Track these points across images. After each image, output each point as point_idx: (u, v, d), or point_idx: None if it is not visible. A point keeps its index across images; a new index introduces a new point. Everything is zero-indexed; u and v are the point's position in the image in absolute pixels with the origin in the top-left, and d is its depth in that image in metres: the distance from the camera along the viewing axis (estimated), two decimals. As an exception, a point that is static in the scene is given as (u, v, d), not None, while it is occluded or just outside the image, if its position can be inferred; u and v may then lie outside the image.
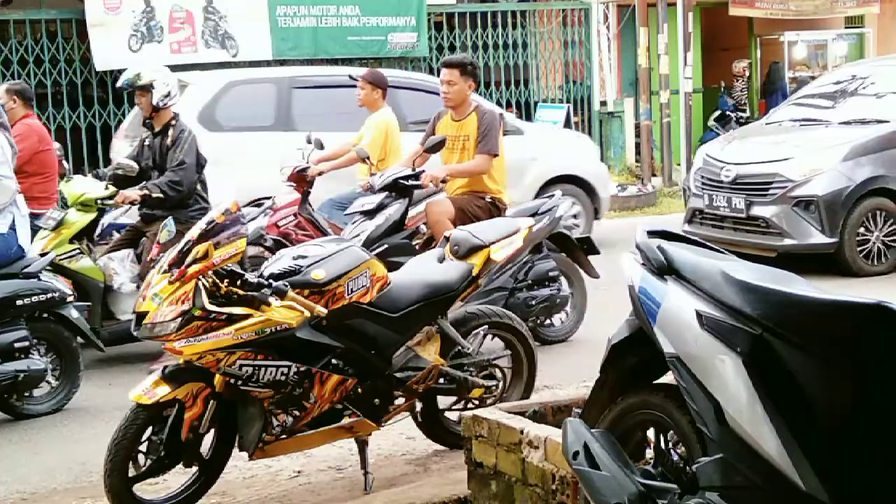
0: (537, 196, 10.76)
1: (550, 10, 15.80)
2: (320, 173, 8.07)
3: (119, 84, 7.31)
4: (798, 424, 2.49)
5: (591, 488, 2.97)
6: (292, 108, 8.99)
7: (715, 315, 2.68)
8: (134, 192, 6.87)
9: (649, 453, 3.21)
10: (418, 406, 4.83)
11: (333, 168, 8.28)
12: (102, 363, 6.92)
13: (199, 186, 7.05)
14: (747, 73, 17.80)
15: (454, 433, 4.79)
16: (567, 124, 13.70)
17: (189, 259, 3.96)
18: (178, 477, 4.38)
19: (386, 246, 6.33)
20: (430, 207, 6.78)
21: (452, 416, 4.96)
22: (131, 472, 4.14)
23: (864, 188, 8.82)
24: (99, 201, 7.00)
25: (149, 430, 4.16)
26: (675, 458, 2.99)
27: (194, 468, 4.30)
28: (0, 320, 5.78)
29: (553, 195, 7.02)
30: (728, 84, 18.31)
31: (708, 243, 3.13)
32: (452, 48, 14.64)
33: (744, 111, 17.71)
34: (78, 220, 6.98)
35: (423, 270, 4.75)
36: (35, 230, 6.69)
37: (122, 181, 7.06)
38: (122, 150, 10.28)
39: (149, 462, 4.17)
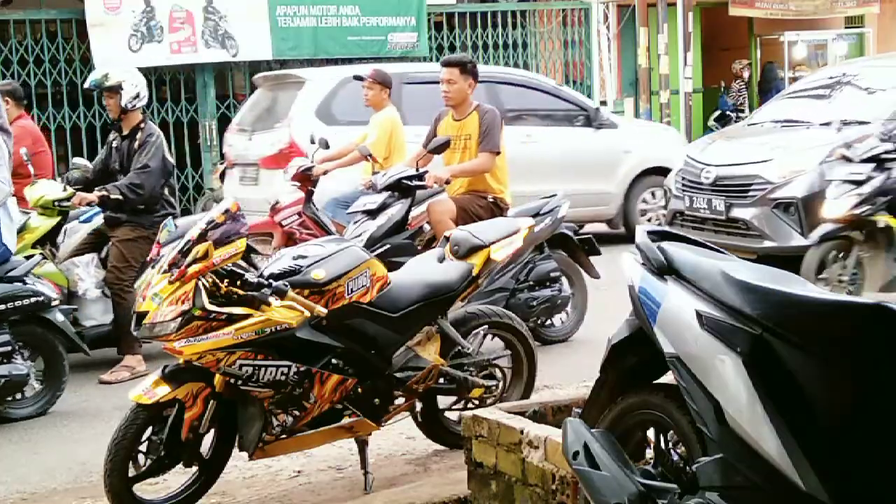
0: (631, 188, 11.07)
1: (550, 10, 15.81)
2: (325, 172, 8.09)
3: (87, 85, 7.15)
4: (798, 424, 2.49)
5: (591, 488, 2.97)
6: (402, 103, 9.30)
7: (715, 315, 2.68)
8: (92, 194, 6.70)
9: (649, 453, 3.21)
10: (418, 406, 4.83)
11: (338, 167, 8.30)
12: (106, 365, 6.91)
13: (166, 191, 6.90)
14: (746, 74, 17.83)
15: (454, 433, 4.79)
16: None
17: (189, 259, 3.96)
18: (178, 477, 4.38)
19: (388, 246, 6.33)
20: (431, 207, 6.78)
21: (452, 416, 4.96)
22: (131, 472, 4.14)
23: None
24: (56, 203, 6.75)
25: (149, 430, 4.15)
26: (675, 458, 2.99)
27: (194, 468, 4.30)
28: None
29: (555, 195, 7.00)
30: (728, 84, 18.33)
31: (707, 243, 3.13)
32: (452, 48, 14.65)
33: (742, 111, 17.72)
34: (41, 224, 6.76)
35: (423, 270, 4.75)
36: None
37: (92, 183, 6.89)
38: (236, 143, 10.51)
39: (149, 462, 4.17)
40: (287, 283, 4.08)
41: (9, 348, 5.78)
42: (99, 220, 7.00)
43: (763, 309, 2.56)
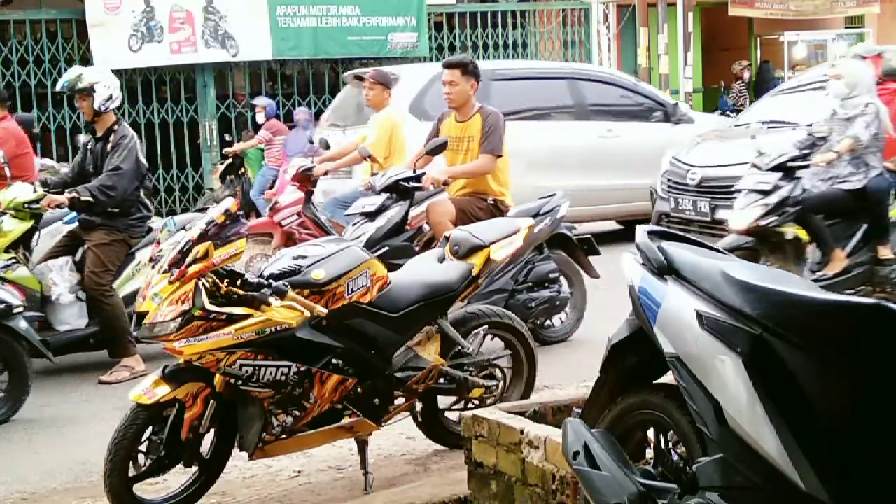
0: None
1: (550, 10, 15.82)
2: (325, 173, 8.09)
3: (58, 87, 7.00)
4: (798, 424, 2.49)
5: (591, 488, 2.97)
6: (490, 98, 9.55)
7: (715, 315, 2.68)
8: (62, 196, 6.55)
9: (649, 453, 3.21)
10: (418, 406, 4.82)
11: (338, 168, 8.30)
12: (106, 366, 6.91)
13: (141, 193, 6.79)
14: (746, 75, 17.84)
15: (454, 433, 4.79)
16: None
17: (189, 259, 3.96)
18: (178, 477, 4.37)
19: (386, 248, 6.32)
20: (431, 208, 6.77)
21: (452, 416, 4.96)
22: (131, 472, 4.13)
23: None
24: (27, 205, 6.61)
25: (149, 430, 4.15)
26: (675, 458, 2.99)
27: (194, 468, 4.30)
28: None
29: (554, 195, 7.00)
30: (728, 85, 18.33)
31: (707, 243, 3.13)
32: (452, 48, 14.66)
33: (741, 112, 17.72)
34: (14, 228, 6.59)
35: (423, 270, 4.75)
36: None
37: (70, 186, 6.72)
38: (330, 138, 10.67)
39: (149, 462, 4.17)
40: (287, 284, 4.08)
41: None
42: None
43: (763, 309, 2.56)
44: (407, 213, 6.77)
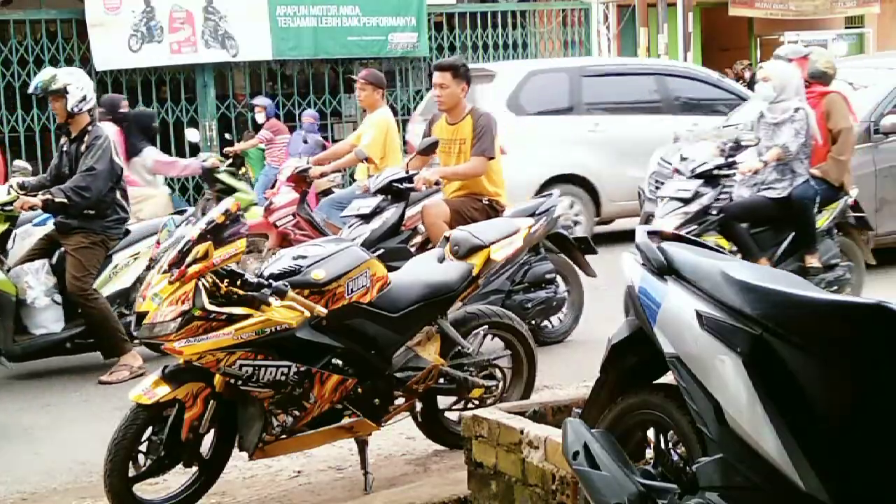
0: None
1: (550, 10, 15.81)
2: (321, 175, 8.09)
3: (31, 89, 6.90)
4: (798, 424, 2.49)
5: (591, 488, 2.97)
6: (583, 94, 9.91)
7: (715, 315, 2.68)
8: (36, 198, 6.41)
9: (649, 453, 3.21)
10: (418, 406, 4.82)
11: (334, 169, 8.30)
12: (105, 366, 6.91)
13: (118, 195, 6.67)
14: (747, 75, 17.84)
15: (454, 433, 4.79)
16: None
17: (189, 259, 3.96)
18: (178, 477, 4.38)
19: (382, 250, 6.31)
20: (425, 210, 6.74)
21: (452, 416, 4.96)
22: (131, 472, 4.14)
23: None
24: (0, 208, 6.53)
25: (149, 430, 4.15)
26: (675, 458, 2.99)
27: (194, 468, 4.30)
28: None
29: (550, 194, 7.00)
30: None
31: (707, 243, 3.13)
32: (452, 48, 14.65)
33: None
34: None
35: (423, 270, 4.75)
36: None
37: (47, 188, 6.60)
38: (420, 132, 10.76)
39: (149, 462, 4.17)
40: (287, 284, 4.08)
41: None
42: (51, 224, 6.79)
43: (763, 309, 2.56)
44: (402, 214, 6.77)
